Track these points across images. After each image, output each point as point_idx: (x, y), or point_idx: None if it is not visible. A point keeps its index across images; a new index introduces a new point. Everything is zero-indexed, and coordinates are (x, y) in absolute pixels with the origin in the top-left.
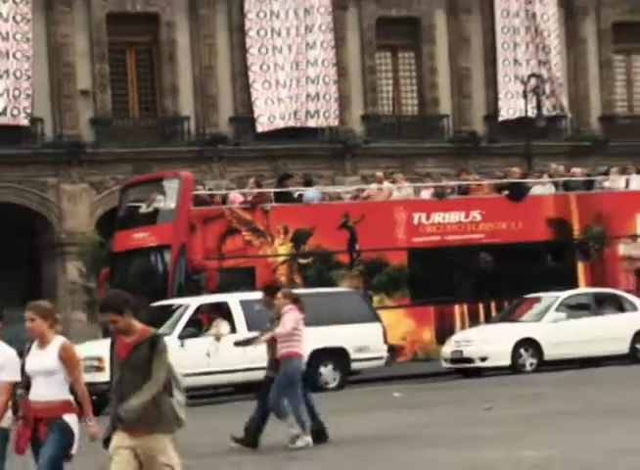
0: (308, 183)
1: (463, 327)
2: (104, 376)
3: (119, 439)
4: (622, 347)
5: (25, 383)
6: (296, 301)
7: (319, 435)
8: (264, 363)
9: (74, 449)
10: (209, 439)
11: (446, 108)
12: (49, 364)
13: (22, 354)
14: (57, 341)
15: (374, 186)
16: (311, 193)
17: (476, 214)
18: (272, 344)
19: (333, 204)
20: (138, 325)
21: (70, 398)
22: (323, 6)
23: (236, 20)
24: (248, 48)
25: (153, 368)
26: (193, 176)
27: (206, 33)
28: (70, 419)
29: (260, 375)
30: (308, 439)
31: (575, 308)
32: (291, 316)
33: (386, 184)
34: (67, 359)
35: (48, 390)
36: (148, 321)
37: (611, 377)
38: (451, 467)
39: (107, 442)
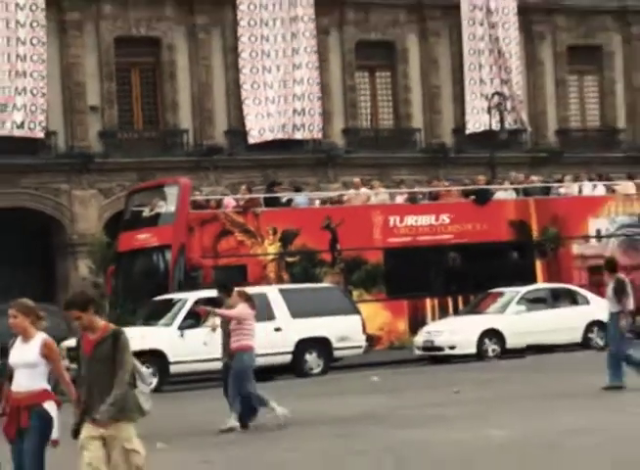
0: (298, 190)
1: (434, 319)
2: None
3: (88, 430)
4: (576, 336)
5: (9, 375)
6: (248, 299)
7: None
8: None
9: (57, 435)
10: (206, 419)
11: (419, 122)
12: (31, 358)
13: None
14: (39, 337)
15: (353, 192)
16: (301, 198)
17: (445, 217)
18: (226, 333)
19: (316, 208)
20: (100, 322)
21: (49, 387)
22: (308, 31)
23: (230, 43)
24: (240, 68)
25: (117, 365)
26: (191, 183)
27: (203, 55)
28: (50, 406)
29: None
30: (282, 410)
31: (534, 302)
32: (241, 307)
33: (363, 190)
34: (49, 355)
35: (29, 381)
36: (149, 314)
37: (566, 363)
38: (423, 445)
39: (76, 433)
